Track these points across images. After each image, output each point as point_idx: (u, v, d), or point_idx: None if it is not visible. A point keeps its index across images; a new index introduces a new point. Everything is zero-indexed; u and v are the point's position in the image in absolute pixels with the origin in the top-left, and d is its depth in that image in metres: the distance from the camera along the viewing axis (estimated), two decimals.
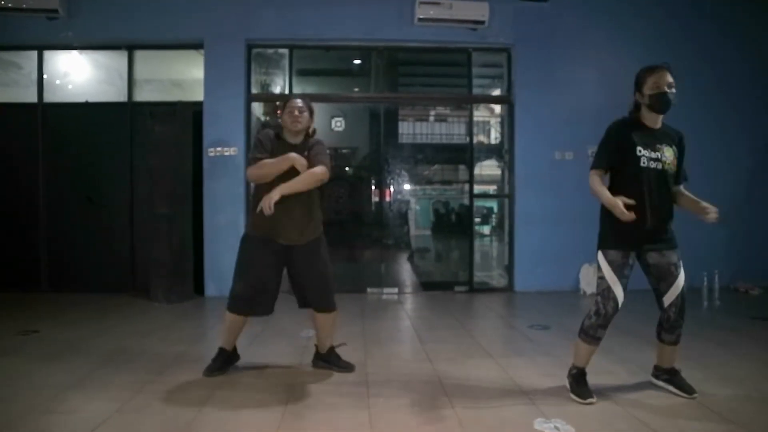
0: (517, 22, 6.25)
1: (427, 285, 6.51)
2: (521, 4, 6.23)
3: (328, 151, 3.22)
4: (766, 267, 6.43)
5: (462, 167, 6.84)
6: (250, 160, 3.12)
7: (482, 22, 6.03)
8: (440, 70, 7.21)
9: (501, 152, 6.75)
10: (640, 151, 2.73)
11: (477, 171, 6.69)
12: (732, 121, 6.45)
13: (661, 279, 2.79)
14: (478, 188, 6.67)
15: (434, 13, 5.95)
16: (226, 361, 3.25)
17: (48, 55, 6.18)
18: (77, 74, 6.34)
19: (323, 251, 3.22)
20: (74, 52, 6.28)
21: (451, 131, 7.25)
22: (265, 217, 2.91)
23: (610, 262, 2.77)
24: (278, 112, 3.15)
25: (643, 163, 2.73)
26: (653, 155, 2.74)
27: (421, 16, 5.97)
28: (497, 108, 6.83)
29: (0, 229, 6.05)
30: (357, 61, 6.88)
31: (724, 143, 6.42)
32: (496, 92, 6.83)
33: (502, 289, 6.42)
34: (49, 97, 6.17)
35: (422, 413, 2.66)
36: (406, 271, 6.72)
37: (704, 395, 2.82)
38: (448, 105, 7.22)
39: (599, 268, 2.82)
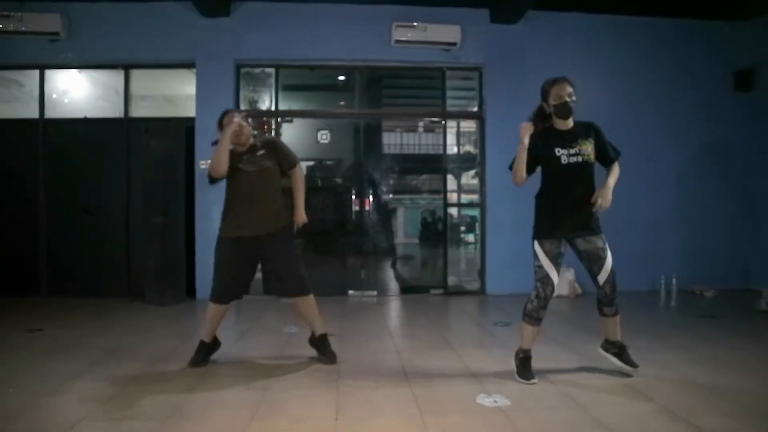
0: (487, 43, 6.74)
1: (404, 288, 6.94)
2: (491, 26, 6.73)
3: (283, 143, 3.72)
4: (722, 271, 6.93)
5: (437, 178, 7.28)
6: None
7: (455, 44, 6.51)
8: (417, 87, 7.66)
9: (473, 164, 7.21)
10: (558, 152, 3.18)
11: (451, 181, 7.16)
12: (689, 130, 6.96)
13: (593, 262, 3.23)
14: (452, 198, 7.13)
15: (410, 35, 6.42)
16: (207, 352, 3.62)
17: (49, 73, 6.57)
18: (76, 91, 6.73)
19: (290, 244, 3.58)
20: (73, 71, 6.68)
21: (427, 144, 7.68)
22: (235, 216, 3.43)
23: (546, 252, 3.21)
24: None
25: (564, 160, 3.18)
26: (572, 151, 3.18)
27: (398, 38, 6.43)
28: (470, 123, 7.28)
29: (2, 237, 6.41)
30: (341, 78, 7.31)
31: (686, 153, 6.95)
32: (469, 108, 7.29)
33: (475, 292, 6.85)
34: (50, 113, 6.55)
35: (383, 391, 3.09)
36: (385, 275, 7.13)
37: (632, 378, 3.26)
38: (424, 120, 7.67)
39: (536, 257, 3.26)
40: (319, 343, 3.69)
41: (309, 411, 2.79)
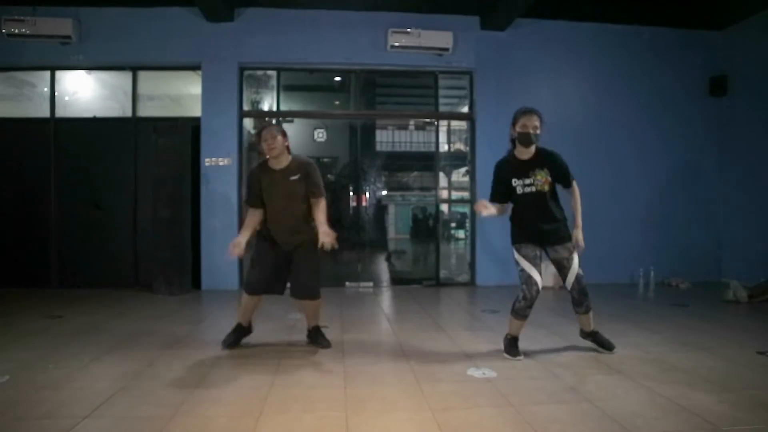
0: (478, 48, 7.12)
1: (398, 280, 7.32)
2: (481, 33, 7.12)
3: (317, 170, 3.77)
4: (697, 264, 7.38)
5: (429, 175, 7.66)
6: (244, 203, 3.93)
7: (447, 49, 6.89)
8: (411, 90, 8.02)
9: (464, 162, 7.60)
10: (515, 182, 3.59)
11: (443, 179, 7.56)
12: (670, 132, 7.39)
13: (560, 269, 3.65)
14: (443, 194, 7.54)
15: (405, 41, 6.79)
16: (241, 334, 3.92)
17: (59, 74, 6.87)
18: (86, 92, 7.02)
19: (311, 253, 3.74)
20: (83, 72, 6.97)
21: (420, 144, 8.05)
22: (269, 229, 3.74)
23: (524, 256, 3.62)
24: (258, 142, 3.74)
25: (519, 190, 3.59)
26: (527, 182, 3.57)
27: (394, 44, 6.80)
28: (461, 123, 7.66)
29: (14, 232, 6.73)
30: (337, 79, 7.65)
31: (664, 153, 7.38)
32: (460, 110, 7.69)
33: (466, 284, 7.26)
34: (60, 113, 6.85)
35: (384, 367, 3.48)
36: (379, 267, 7.50)
37: (605, 356, 3.67)
38: (417, 121, 8.05)
39: (517, 264, 3.67)
40: (312, 333, 3.98)
41: (320, 380, 3.17)
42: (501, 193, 3.68)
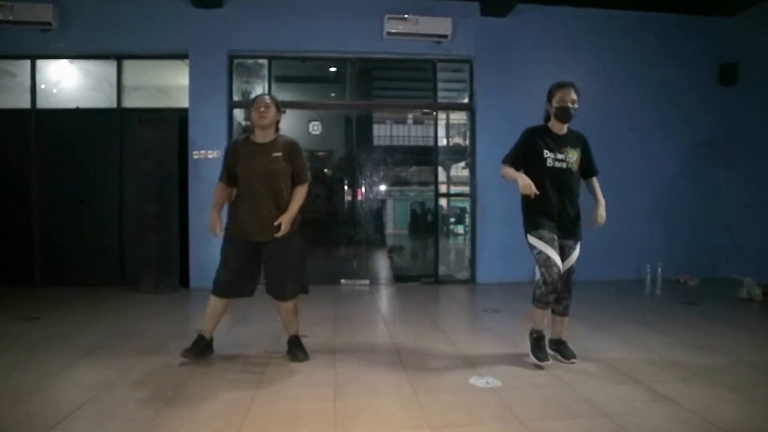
0: (478, 36, 6.83)
1: (396, 277, 7.04)
2: (481, 19, 6.82)
3: (304, 153, 3.46)
4: (706, 261, 7.13)
5: (428, 169, 7.38)
6: (218, 182, 3.48)
7: (446, 36, 6.59)
8: (409, 79, 7.73)
9: (464, 155, 7.32)
10: (546, 154, 3.32)
11: (442, 173, 7.27)
12: (676, 123, 7.11)
13: (561, 255, 3.33)
14: (443, 189, 7.25)
15: (402, 27, 6.49)
16: (204, 347, 3.45)
17: (41, 63, 6.56)
18: (68, 82, 6.71)
19: (291, 247, 3.38)
20: (65, 61, 6.66)
21: (419, 136, 7.78)
22: (238, 219, 3.33)
23: (540, 237, 3.29)
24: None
25: (549, 163, 3.32)
26: (558, 156, 3.32)
27: (390, 31, 6.50)
28: (461, 114, 7.38)
29: None
30: (332, 69, 7.36)
31: (671, 144, 7.11)
32: (460, 100, 7.40)
33: (465, 281, 6.98)
34: (42, 104, 6.55)
35: (378, 375, 3.20)
36: (376, 264, 7.23)
37: (615, 360, 3.41)
38: (415, 112, 7.76)
39: (533, 247, 3.33)
40: (291, 343, 3.57)
41: (308, 390, 2.89)
42: (522, 158, 3.39)
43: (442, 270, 7.07)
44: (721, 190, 7.22)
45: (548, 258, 3.24)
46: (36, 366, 3.29)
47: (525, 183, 3.19)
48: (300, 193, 3.40)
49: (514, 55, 6.88)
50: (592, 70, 6.92)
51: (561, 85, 3.33)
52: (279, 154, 3.33)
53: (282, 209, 3.32)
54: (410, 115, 7.91)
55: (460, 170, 7.48)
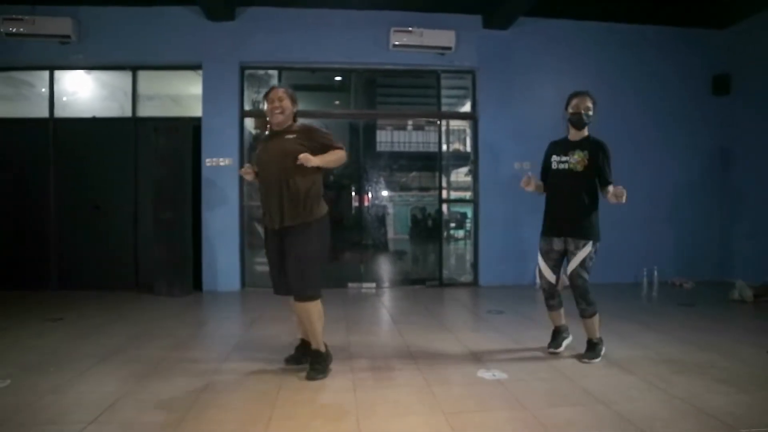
0: (480, 47, 7.07)
1: (401, 280, 7.25)
2: (484, 32, 7.07)
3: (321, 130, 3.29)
4: (701, 264, 7.35)
5: (433, 176, 7.60)
6: None
7: (449, 48, 6.83)
8: (413, 89, 7.97)
9: (467, 162, 7.55)
10: (553, 158, 3.63)
11: (446, 179, 7.51)
12: (672, 131, 7.34)
13: (568, 262, 3.59)
14: (446, 194, 7.49)
15: (407, 40, 6.72)
16: (303, 352, 3.41)
17: (59, 74, 6.78)
18: (85, 92, 6.93)
19: (307, 238, 3.14)
20: (82, 72, 6.89)
21: (423, 143, 8.00)
22: (262, 208, 3.24)
23: (539, 248, 3.68)
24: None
25: (554, 166, 3.62)
26: (562, 159, 3.58)
27: (396, 43, 6.74)
28: (463, 123, 7.62)
29: (13, 233, 6.63)
30: (338, 78, 7.58)
31: (667, 152, 7.33)
32: (463, 109, 7.64)
33: (469, 284, 7.19)
34: (60, 113, 6.76)
35: (392, 369, 3.42)
36: (382, 268, 7.44)
37: (615, 357, 3.62)
38: (420, 121, 8.00)
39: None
40: (311, 357, 3.29)
41: (329, 382, 3.12)
42: (544, 168, 3.74)
43: (445, 273, 7.28)
44: (715, 196, 7.45)
45: (540, 270, 3.69)
46: (69, 362, 3.50)
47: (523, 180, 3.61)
48: (335, 151, 3.24)
49: (516, 66, 7.12)
50: (591, 80, 7.07)
51: (577, 94, 3.59)
52: (292, 136, 3.19)
53: (294, 193, 3.12)
54: (414, 123, 8.12)
55: (462, 176, 7.71)
